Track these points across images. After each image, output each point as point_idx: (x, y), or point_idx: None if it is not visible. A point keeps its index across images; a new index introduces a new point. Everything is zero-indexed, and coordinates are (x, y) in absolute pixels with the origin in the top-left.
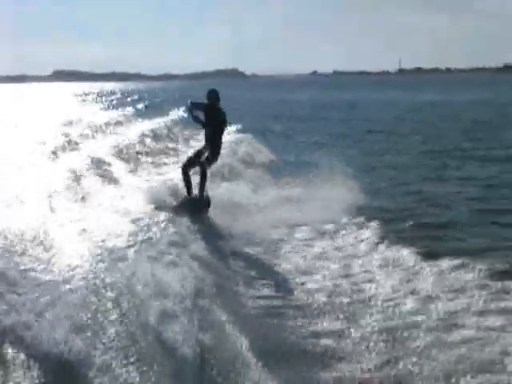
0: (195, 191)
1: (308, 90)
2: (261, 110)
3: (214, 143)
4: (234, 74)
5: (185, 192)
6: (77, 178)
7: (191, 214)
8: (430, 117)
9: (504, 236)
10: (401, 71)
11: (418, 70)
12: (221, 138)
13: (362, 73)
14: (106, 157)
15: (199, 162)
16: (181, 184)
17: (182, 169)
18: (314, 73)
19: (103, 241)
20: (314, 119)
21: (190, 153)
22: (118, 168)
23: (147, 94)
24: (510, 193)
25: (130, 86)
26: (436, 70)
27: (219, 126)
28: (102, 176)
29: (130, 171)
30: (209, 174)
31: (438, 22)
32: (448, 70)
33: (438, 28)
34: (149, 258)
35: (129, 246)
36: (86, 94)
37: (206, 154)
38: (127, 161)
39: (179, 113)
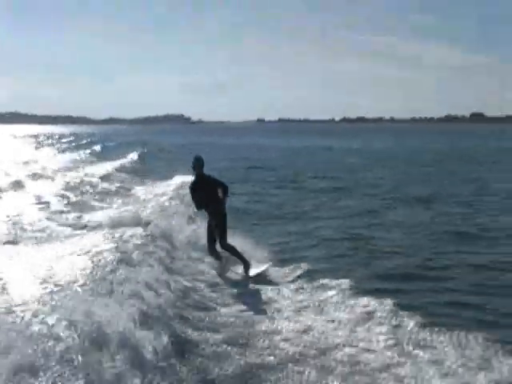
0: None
1: (254, 136)
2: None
3: (213, 209)
4: (179, 120)
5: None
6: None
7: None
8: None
9: None
10: (345, 120)
11: (362, 119)
12: (218, 201)
13: (307, 121)
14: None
15: (225, 246)
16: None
17: (210, 253)
18: (261, 120)
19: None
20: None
21: (206, 234)
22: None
23: (99, 137)
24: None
25: (77, 129)
26: (379, 120)
27: (216, 189)
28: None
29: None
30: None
31: (385, 72)
32: (392, 119)
33: (384, 78)
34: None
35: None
36: (35, 137)
37: (215, 225)
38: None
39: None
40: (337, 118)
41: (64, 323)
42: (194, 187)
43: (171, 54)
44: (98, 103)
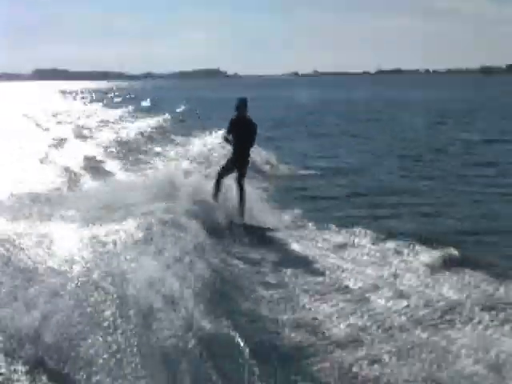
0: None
1: (291, 89)
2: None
3: (244, 155)
4: (215, 74)
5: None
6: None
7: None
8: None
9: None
10: (380, 72)
11: (398, 71)
12: (246, 150)
13: (342, 73)
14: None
15: (239, 184)
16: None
17: (216, 181)
18: (296, 74)
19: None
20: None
21: (222, 164)
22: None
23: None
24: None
25: (116, 84)
26: (415, 72)
27: (249, 138)
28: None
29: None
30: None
31: (417, 25)
32: (427, 71)
33: (418, 30)
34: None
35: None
36: (82, 92)
37: (236, 165)
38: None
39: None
40: (372, 71)
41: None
42: (233, 121)
43: (204, 9)
44: (135, 59)
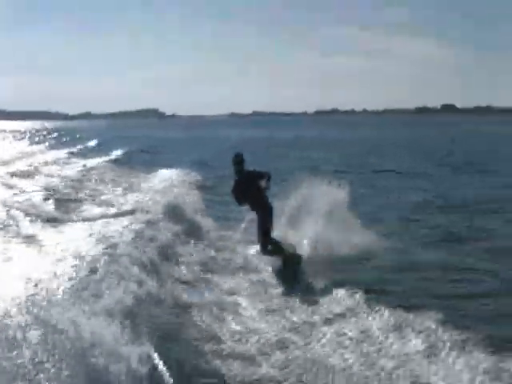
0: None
1: (227, 128)
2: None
3: (260, 206)
4: (154, 114)
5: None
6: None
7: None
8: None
9: None
10: (318, 113)
11: (335, 111)
12: (262, 196)
13: (281, 113)
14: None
15: (271, 241)
16: None
17: (263, 252)
18: (234, 114)
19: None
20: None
21: (256, 233)
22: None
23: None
24: None
25: (53, 124)
26: (352, 112)
27: (254, 188)
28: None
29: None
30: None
31: (357, 64)
32: (364, 110)
33: (357, 69)
34: None
35: None
36: (12, 132)
37: (263, 223)
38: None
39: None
40: (310, 111)
41: None
42: (235, 189)
43: (140, 47)
44: (70, 98)
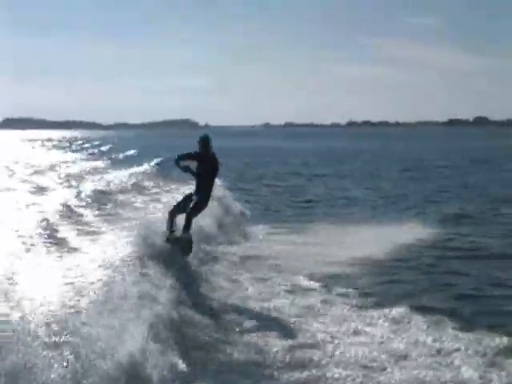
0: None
1: (260, 140)
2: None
3: (204, 190)
4: (187, 124)
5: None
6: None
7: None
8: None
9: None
10: (349, 124)
11: (367, 123)
12: (211, 185)
13: (312, 125)
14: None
15: (187, 211)
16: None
17: (170, 213)
18: (267, 124)
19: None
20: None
21: (179, 198)
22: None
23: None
24: None
25: (91, 134)
26: (385, 124)
27: (210, 173)
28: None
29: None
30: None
31: (388, 75)
32: (397, 123)
33: (388, 81)
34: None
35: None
36: (59, 141)
37: (195, 201)
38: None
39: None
40: (342, 123)
41: None
42: (198, 156)
43: (173, 57)
44: (104, 109)
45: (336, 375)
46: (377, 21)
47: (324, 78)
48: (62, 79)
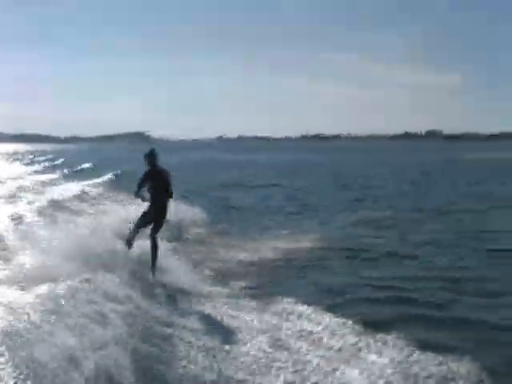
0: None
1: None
2: None
3: (158, 206)
4: (140, 138)
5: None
6: None
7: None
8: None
9: None
10: (303, 137)
11: (320, 136)
12: (165, 200)
13: (266, 138)
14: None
15: (152, 236)
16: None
17: (128, 238)
18: (220, 138)
19: None
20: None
21: (137, 216)
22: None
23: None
24: None
25: (43, 147)
26: (337, 137)
27: (166, 187)
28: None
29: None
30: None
31: (342, 90)
32: (349, 136)
33: (344, 95)
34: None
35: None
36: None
37: (151, 219)
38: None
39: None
40: (294, 136)
41: None
42: (149, 173)
43: (128, 72)
44: (57, 122)
45: None
46: (335, 36)
47: (279, 91)
48: (11, 91)
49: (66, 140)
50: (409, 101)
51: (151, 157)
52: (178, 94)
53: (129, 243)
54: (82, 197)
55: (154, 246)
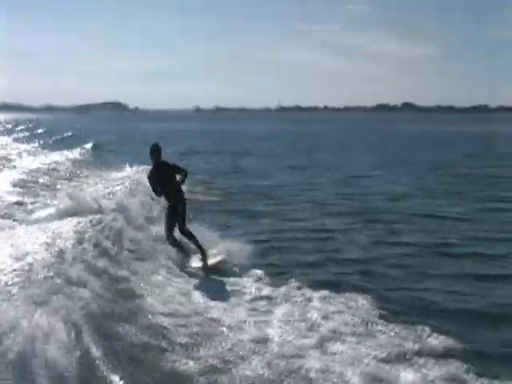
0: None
1: (190, 123)
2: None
3: (174, 196)
4: (117, 108)
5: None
6: None
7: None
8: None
9: None
10: (282, 109)
11: (297, 108)
12: (177, 187)
13: (243, 109)
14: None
15: (185, 233)
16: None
17: (168, 239)
18: (198, 109)
19: None
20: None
21: (164, 221)
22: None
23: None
24: None
25: (19, 117)
26: (315, 109)
27: (174, 177)
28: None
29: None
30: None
31: (323, 61)
32: (326, 107)
33: (321, 66)
34: None
35: None
36: None
37: (175, 212)
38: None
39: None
40: (272, 107)
41: None
42: (152, 175)
43: (106, 40)
44: (32, 90)
45: None
46: (314, 7)
47: (257, 62)
48: None
49: (42, 109)
50: (384, 73)
51: (154, 151)
52: (153, 63)
53: (176, 245)
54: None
55: (193, 237)
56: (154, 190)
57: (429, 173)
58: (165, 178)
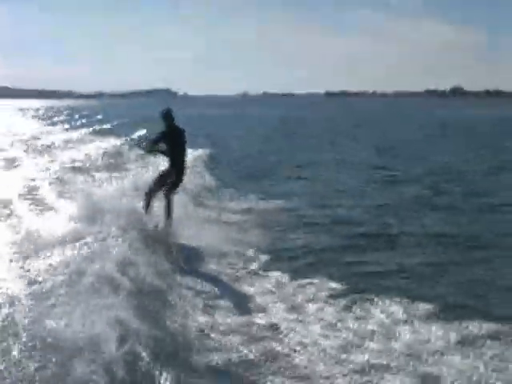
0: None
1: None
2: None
3: (179, 165)
4: (165, 94)
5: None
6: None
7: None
8: None
9: None
10: (327, 94)
11: (345, 93)
12: (184, 159)
13: (291, 95)
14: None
15: (165, 193)
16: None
17: (146, 193)
18: (245, 94)
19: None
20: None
21: (154, 177)
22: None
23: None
24: None
25: (71, 103)
26: (362, 94)
27: (184, 146)
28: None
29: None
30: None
31: (367, 46)
32: (374, 93)
33: (368, 52)
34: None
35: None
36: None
37: (170, 180)
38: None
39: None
40: (321, 92)
41: None
42: (167, 134)
43: (155, 30)
44: (84, 77)
45: None
46: None
47: (305, 49)
48: (37, 48)
49: (90, 96)
50: (432, 58)
51: (166, 116)
52: (202, 51)
53: (147, 207)
54: None
55: (170, 205)
56: (154, 143)
57: None
58: (177, 143)
